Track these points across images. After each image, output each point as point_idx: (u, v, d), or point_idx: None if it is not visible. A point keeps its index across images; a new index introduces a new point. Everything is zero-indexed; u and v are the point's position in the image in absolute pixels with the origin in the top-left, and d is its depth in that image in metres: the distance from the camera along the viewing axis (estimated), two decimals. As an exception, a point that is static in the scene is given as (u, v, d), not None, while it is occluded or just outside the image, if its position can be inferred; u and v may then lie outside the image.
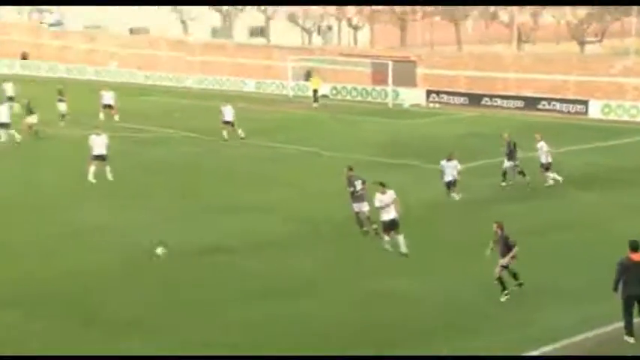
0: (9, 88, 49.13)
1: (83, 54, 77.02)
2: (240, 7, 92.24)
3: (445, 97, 57.00)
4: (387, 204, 22.09)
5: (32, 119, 41.06)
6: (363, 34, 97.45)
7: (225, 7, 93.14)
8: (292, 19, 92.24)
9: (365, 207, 24.05)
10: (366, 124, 48.59)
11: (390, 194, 22.21)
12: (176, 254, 22.37)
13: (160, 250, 21.84)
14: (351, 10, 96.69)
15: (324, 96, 58.25)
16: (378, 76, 59.18)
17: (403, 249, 22.14)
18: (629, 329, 16.49)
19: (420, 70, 59.99)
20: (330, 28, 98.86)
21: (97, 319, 18.27)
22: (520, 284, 19.36)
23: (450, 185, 28.29)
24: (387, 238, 22.32)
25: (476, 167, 33.20)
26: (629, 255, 16.57)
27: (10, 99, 46.42)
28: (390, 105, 56.30)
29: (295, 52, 65.25)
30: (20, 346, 16.66)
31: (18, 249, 23.33)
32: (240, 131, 41.02)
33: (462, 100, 56.37)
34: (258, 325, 17.83)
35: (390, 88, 56.99)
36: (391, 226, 22.16)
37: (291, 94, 61.01)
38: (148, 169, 34.27)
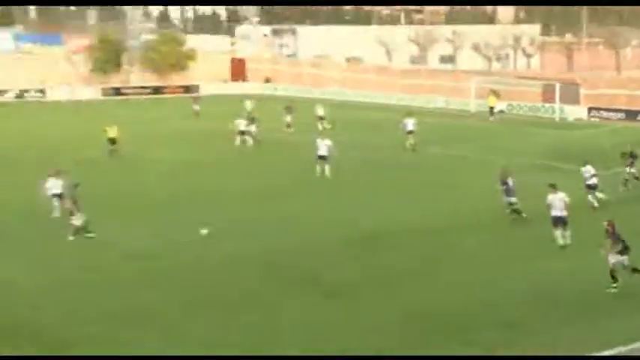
0: (249, 105, 50.80)
1: (311, 78, 79.20)
2: (433, 39, 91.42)
3: (604, 113, 54.12)
4: (553, 203, 21.33)
5: (252, 128, 41.93)
6: (535, 61, 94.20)
7: (422, 40, 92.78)
8: (476, 48, 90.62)
9: (514, 199, 23.94)
10: (535, 135, 46.91)
11: (560, 195, 21.33)
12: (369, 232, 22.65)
13: (204, 231, 21.39)
14: (525, 40, 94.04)
15: (501, 111, 56.73)
16: (547, 95, 57.19)
17: (561, 241, 21.39)
18: None
19: (584, 91, 57.15)
20: (507, 55, 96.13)
21: (319, 280, 18.68)
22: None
23: (590, 188, 26.19)
24: (555, 231, 21.57)
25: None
26: None
27: (249, 113, 48.33)
28: (557, 119, 54.01)
29: (478, 75, 63.89)
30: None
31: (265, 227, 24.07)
32: (409, 142, 40.16)
33: (619, 115, 53.25)
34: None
35: (557, 105, 54.80)
36: (557, 222, 21.42)
37: (473, 109, 59.87)
38: (360, 168, 34.63)
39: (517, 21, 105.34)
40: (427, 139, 41.57)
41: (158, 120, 53.67)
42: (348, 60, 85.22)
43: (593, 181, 26.23)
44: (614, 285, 17.74)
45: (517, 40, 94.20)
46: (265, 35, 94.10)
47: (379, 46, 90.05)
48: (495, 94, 56.41)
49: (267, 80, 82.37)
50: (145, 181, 31.32)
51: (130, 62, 79.84)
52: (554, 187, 21.43)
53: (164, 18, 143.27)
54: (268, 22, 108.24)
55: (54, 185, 22.73)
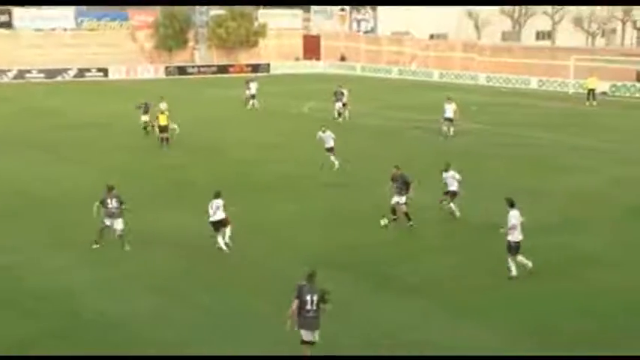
0: (253, 87, 49.33)
1: (390, 56, 78.06)
2: (530, 12, 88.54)
3: None
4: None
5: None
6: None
7: (516, 14, 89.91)
8: (578, 23, 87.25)
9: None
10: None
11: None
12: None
13: (383, 222, 21.32)
14: (637, 12, 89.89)
15: (603, 93, 54.29)
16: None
17: None
18: None
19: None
20: (614, 30, 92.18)
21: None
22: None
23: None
24: None
25: None
26: None
27: (253, 96, 48.80)
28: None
29: (578, 53, 61.32)
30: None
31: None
32: (444, 129, 37.79)
33: None
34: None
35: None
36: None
37: (572, 91, 57.63)
38: (446, 156, 33.18)
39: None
40: (517, 122, 40.72)
41: (216, 102, 53.40)
42: (431, 36, 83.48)
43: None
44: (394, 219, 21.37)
45: (627, 12, 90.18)
46: (342, 10, 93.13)
47: (467, 21, 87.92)
48: (595, 74, 53.75)
49: (343, 58, 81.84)
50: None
51: (196, 39, 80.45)
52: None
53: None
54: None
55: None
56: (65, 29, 78.35)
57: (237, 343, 14.42)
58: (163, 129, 34.56)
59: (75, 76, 70.56)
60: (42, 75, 69.61)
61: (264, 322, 15.11)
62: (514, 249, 17.57)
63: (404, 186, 21.40)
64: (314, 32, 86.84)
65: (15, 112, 46.10)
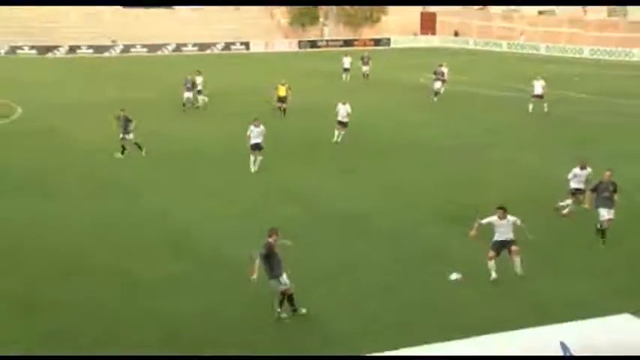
0: (347, 61, 50.10)
1: (501, 31, 77.10)
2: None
3: None
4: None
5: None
6: None
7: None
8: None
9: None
10: None
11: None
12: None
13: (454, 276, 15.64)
14: None
15: None
16: None
17: None
18: None
19: None
20: None
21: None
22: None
23: None
24: None
25: None
26: None
27: (346, 70, 50.48)
28: None
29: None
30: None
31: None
32: (531, 107, 35.74)
33: None
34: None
35: None
36: None
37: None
38: (547, 122, 34.41)
39: None
40: (619, 91, 41.77)
41: (338, 73, 53.72)
42: (540, 13, 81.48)
43: None
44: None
45: None
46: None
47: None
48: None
49: (456, 34, 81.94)
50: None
51: (326, 16, 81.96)
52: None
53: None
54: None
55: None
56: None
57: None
58: (282, 99, 36.40)
59: (222, 50, 73.52)
60: (196, 49, 72.99)
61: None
62: None
63: (613, 195, 17.62)
64: (431, 9, 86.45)
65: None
